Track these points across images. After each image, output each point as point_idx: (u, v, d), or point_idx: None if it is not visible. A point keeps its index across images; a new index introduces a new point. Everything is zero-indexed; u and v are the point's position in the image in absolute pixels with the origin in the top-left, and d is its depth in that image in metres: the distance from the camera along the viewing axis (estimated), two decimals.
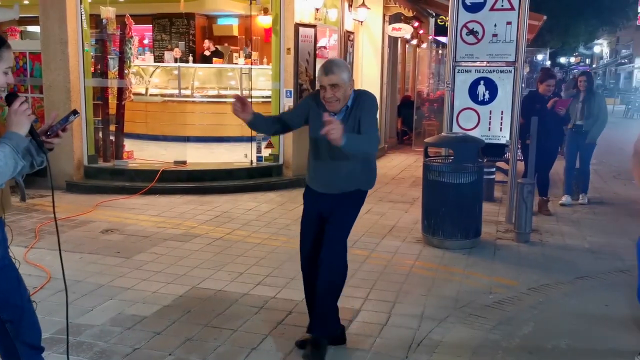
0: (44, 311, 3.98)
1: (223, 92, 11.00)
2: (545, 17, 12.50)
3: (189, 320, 3.92)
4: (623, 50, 42.98)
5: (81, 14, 7.62)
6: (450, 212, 5.65)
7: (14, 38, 8.77)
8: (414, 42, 16.42)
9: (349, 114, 3.29)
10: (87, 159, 7.95)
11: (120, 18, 8.28)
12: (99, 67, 8.15)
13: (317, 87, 3.29)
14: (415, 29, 14.92)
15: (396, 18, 12.91)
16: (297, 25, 8.15)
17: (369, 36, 12.29)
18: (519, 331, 3.85)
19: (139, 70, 11.48)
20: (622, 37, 40.91)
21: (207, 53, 11.65)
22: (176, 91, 10.90)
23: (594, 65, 53.20)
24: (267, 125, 3.58)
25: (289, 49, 8.19)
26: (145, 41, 14.25)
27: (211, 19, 14.15)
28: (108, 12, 8.16)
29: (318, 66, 9.00)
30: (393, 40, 13.53)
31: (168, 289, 4.45)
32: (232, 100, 3.29)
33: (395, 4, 11.83)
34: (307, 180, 3.57)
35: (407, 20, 13.55)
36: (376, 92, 12.33)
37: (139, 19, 13.69)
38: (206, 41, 11.99)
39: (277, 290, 4.45)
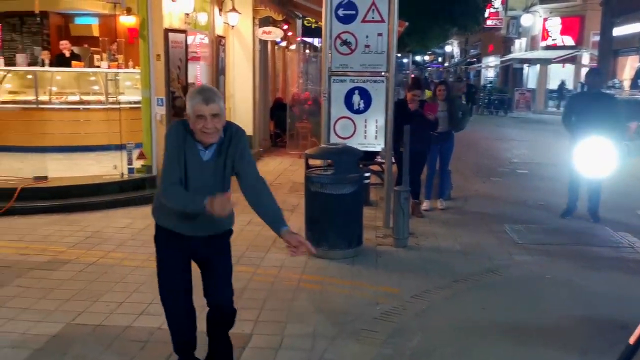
0: None
1: (85, 98, 10.27)
2: (407, 24, 13.16)
3: None
4: (472, 50, 46.48)
5: None
6: (333, 222, 5.72)
7: None
8: (284, 43, 16.50)
9: (219, 149, 3.05)
10: None
11: None
12: None
13: (191, 116, 2.92)
14: (285, 31, 14.99)
15: (266, 21, 12.86)
16: (167, 31, 7.81)
17: (240, 40, 12.13)
18: (409, 343, 3.98)
19: None
20: (471, 38, 44.19)
21: (66, 53, 10.79)
22: (31, 97, 10.00)
23: (446, 64, 57.00)
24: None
25: (158, 55, 7.83)
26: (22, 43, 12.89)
27: (68, 17, 13.15)
28: None
29: (191, 73, 8.77)
30: (263, 43, 13.48)
31: (39, 329, 4.04)
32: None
33: (264, 7, 11.78)
34: (165, 222, 3.16)
35: (276, 24, 13.55)
36: (249, 96, 12.28)
37: None
38: (63, 41, 11.09)
39: (162, 320, 4.19)
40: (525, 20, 31.97)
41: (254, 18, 12.30)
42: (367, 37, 6.65)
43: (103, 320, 4.22)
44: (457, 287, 5.10)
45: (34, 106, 9.77)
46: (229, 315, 3.35)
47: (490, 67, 39.91)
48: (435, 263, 5.72)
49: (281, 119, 13.76)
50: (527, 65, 32.63)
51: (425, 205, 7.87)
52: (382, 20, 6.62)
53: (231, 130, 3.10)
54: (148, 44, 7.84)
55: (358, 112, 6.81)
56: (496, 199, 8.77)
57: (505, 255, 6.00)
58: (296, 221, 6.80)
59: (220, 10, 9.72)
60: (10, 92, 10.17)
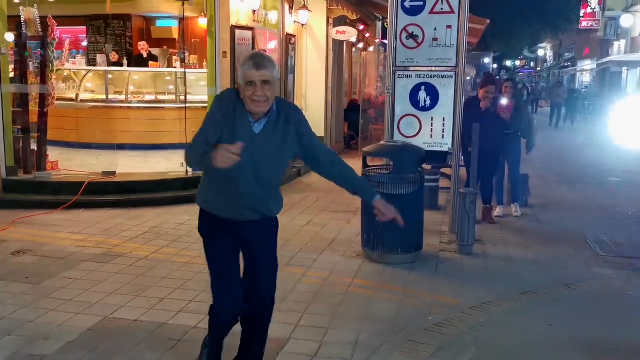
0: None
1: (160, 97, 10.47)
2: (488, 21, 12.50)
3: (94, 359, 3.48)
4: (566, 54, 44.18)
5: None
6: (390, 225, 5.30)
7: None
8: (361, 45, 16.23)
9: (274, 124, 2.84)
10: (5, 171, 7.34)
11: (43, 19, 7.70)
12: (18, 71, 7.55)
13: (242, 83, 2.74)
14: (361, 32, 14.72)
15: (340, 21, 12.65)
16: (234, 28, 7.76)
17: (313, 39, 12.00)
18: (459, 358, 3.58)
19: (70, 75, 10.84)
20: (565, 41, 42.02)
21: (144, 54, 11.08)
22: (110, 96, 10.30)
23: (538, 69, 54.57)
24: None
25: (225, 52, 7.79)
26: (85, 43, 13.54)
27: (149, 20, 13.56)
28: (29, 13, 7.58)
29: None
30: (339, 44, 13.28)
31: (76, 321, 3.98)
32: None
33: (338, 7, 11.57)
34: (208, 205, 2.98)
35: (352, 24, 13.31)
36: (321, 96, 12.11)
37: (72, 20, 13.09)
38: (141, 42, 11.41)
39: (199, 319, 4.03)
40: (625, 20, 29.86)
41: (328, 17, 12.14)
42: (435, 29, 6.24)
43: (140, 315, 4.10)
44: (523, 300, 4.61)
45: (110, 104, 10.05)
46: (266, 310, 3.13)
47: (585, 71, 37.71)
48: (502, 273, 5.23)
49: (355, 121, 13.50)
50: (626, 68, 30.48)
51: (498, 211, 7.33)
52: (452, 12, 6.19)
53: (287, 108, 2.91)
54: (215, 42, 7.82)
55: (424, 109, 6.40)
56: (580, 207, 8.05)
57: (582, 267, 5.41)
58: (357, 223, 6.48)
59: (291, 8, 9.59)
60: (90, 91, 10.54)
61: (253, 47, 8.11)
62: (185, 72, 8.79)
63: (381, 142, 6.01)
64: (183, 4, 7.65)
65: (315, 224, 6.78)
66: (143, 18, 13.45)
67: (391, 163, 5.66)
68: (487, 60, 23.82)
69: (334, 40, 12.58)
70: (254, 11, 8.09)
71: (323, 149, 3.07)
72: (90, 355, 3.52)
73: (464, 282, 4.96)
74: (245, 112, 2.80)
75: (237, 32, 7.79)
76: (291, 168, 9.79)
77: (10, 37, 7.64)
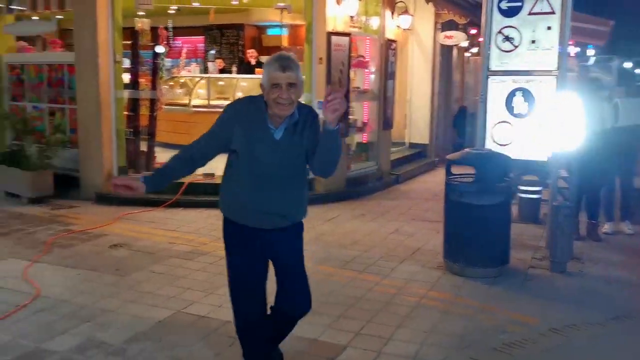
0: (15, 332, 3.85)
1: None
2: (612, 22, 11.58)
3: (156, 350, 3.65)
4: None
5: (112, 25, 7.60)
6: (473, 236, 5.12)
7: (56, 50, 8.92)
8: (476, 50, 15.69)
9: (293, 128, 2.81)
10: (116, 170, 7.93)
11: (154, 29, 8.26)
12: (131, 78, 8.14)
13: (266, 86, 2.72)
14: (474, 36, 14.23)
15: (449, 25, 12.33)
16: (330, 34, 7.81)
17: (419, 44, 11.81)
18: None
19: (186, 81, 11.53)
20: None
21: (252, 62, 11.52)
22: (221, 102, 10.80)
23: None
24: (181, 175, 2.98)
25: (320, 58, 7.87)
26: (212, 51, 14.27)
27: (261, 29, 14.07)
28: (142, 24, 8.15)
29: (352, 76, 8.68)
30: (447, 48, 12.95)
31: (150, 313, 4.20)
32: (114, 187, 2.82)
33: (446, 11, 11.29)
34: (230, 213, 2.96)
35: (462, 28, 12.91)
36: (426, 102, 11.87)
37: (191, 30, 13.91)
38: (250, 50, 11.87)
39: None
40: None
41: (435, 22, 11.88)
42: (533, 31, 5.87)
43: (209, 312, 4.24)
44: (613, 325, 4.19)
45: (212, 110, 10.50)
46: (298, 313, 3.06)
47: None
48: (596, 294, 4.79)
49: (462, 128, 13.08)
50: None
51: (606, 227, 6.73)
52: (553, 12, 5.79)
53: (306, 110, 2.88)
54: (311, 48, 7.93)
55: (519, 116, 6.05)
56: None
57: None
58: None
59: (393, 13, 9.49)
60: (202, 97, 11.11)
61: (349, 53, 8.12)
62: None
63: (466, 149, 5.76)
64: (282, 12, 7.83)
65: (403, 233, 6.64)
66: (255, 27, 13.98)
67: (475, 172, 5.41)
68: (615, 63, 21.95)
69: (441, 45, 12.29)
70: (352, 17, 8.10)
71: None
72: (153, 345, 3.70)
73: (549, 301, 4.60)
74: (265, 119, 2.78)
75: (333, 38, 7.84)
76: (389, 175, 9.69)
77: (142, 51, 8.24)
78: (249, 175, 2.84)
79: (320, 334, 3.92)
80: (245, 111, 2.82)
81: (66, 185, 7.93)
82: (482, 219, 5.05)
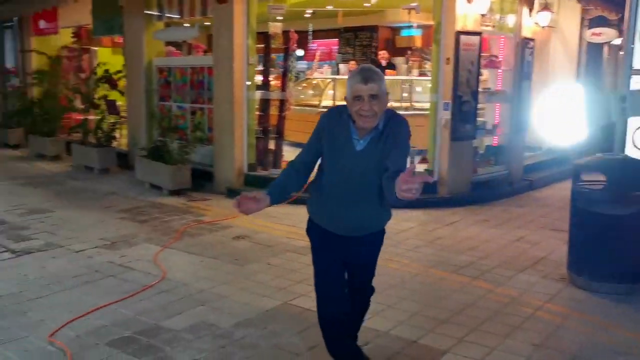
0: (138, 309, 4.22)
1: (394, 105, 10.78)
2: None
3: (259, 336, 3.81)
4: None
5: (247, 30, 8.03)
6: (602, 248, 4.72)
7: (198, 54, 9.61)
8: None
9: (378, 139, 2.78)
10: (246, 167, 8.37)
11: (285, 33, 8.59)
12: (262, 79, 8.54)
13: (349, 98, 2.74)
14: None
15: (598, 22, 11.43)
16: (458, 33, 7.60)
17: (562, 42, 11.09)
18: None
19: (319, 83, 11.87)
20: None
21: (383, 63, 11.55)
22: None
23: None
24: (292, 188, 2.97)
25: (448, 58, 7.68)
26: (340, 55, 14.64)
27: (395, 30, 14.05)
28: (275, 28, 8.52)
29: (483, 77, 8.38)
30: (597, 47, 12.03)
31: (259, 302, 4.40)
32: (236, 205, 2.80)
33: (595, 7, 10.49)
34: (316, 218, 3.02)
35: (614, 24, 11.91)
36: None
37: (327, 33, 14.27)
38: (381, 51, 11.91)
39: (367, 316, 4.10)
40: None
41: (582, 18, 11.09)
42: None
43: (313, 305, 4.32)
44: None
45: None
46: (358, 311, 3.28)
47: None
48: None
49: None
50: None
51: None
52: None
53: (394, 119, 2.83)
54: (439, 48, 7.78)
55: None
56: None
57: None
58: None
59: (531, 10, 9.00)
60: (332, 98, 11.37)
61: (479, 53, 7.84)
62: (411, 80, 8.91)
63: (597, 154, 5.32)
64: (409, 12, 7.77)
65: (527, 241, 6.29)
66: (389, 28, 14.00)
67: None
68: None
69: (589, 42, 11.45)
70: (482, 15, 7.81)
71: (396, 158, 2.71)
72: (257, 332, 3.87)
73: None
74: (351, 130, 2.80)
75: (462, 37, 7.62)
76: (521, 180, 9.21)
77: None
78: (330, 185, 2.89)
79: (421, 336, 3.85)
80: (335, 121, 2.86)
81: (202, 179, 8.52)
82: (614, 229, 4.64)
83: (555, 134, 5.30)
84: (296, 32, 8.92)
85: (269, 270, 5.15)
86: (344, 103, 2.85)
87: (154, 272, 5.03)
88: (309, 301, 4.41)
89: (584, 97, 5.34)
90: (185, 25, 9.83)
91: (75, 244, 5.74)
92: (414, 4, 8.11)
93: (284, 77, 8.51)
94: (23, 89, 12.39)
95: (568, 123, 5.34)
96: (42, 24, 12.48)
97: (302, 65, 13.66)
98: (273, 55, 9.32)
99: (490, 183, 8.64)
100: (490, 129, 8.87)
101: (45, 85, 11.51)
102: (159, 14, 9.46)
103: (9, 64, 13.84)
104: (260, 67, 8.66)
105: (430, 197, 7.91)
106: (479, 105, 8.28)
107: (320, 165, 2.98)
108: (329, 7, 11.04)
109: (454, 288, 4.80)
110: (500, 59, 8.78)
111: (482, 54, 8.16)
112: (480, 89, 8.16)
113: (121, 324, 3.98)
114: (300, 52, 13.16)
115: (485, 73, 9.07)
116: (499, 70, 8.94)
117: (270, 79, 8.74)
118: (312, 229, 3.09)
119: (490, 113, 9.05)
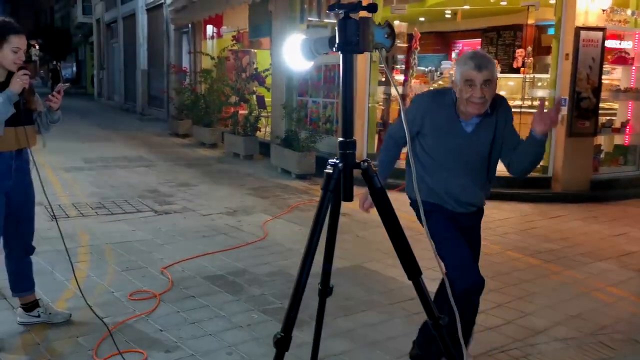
0: (235, 257, 5.12)
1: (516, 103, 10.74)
2: None
3: None
4: None
5: None
6: None
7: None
8: None
9: (487, 123, 2.80)
10: (366, 156, 8.98)
11: (408, 32, 9.13)
12: (384, 75, 9.17)
13: (459, 83, 2.71)
14: None
15: None
16: (578, 29, 7.55)
17: None
18: None
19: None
20: None
21: (519, 60, 11.50)
22: None
23: None
24: (390, 164, 3.10)
25: (567, 54, 7.66)
26: (496, 55, 14.60)
27: (541, 29, 13.72)
28: (400, 27, 9.10)
29: (623, 76, 8.08)
30: None
31: (335, 262, 5.03)
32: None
33: None
34: (428, 197, 2.89)
35: None
36: None
37: (469, 33, 14.41)
38: (519, 50, 11.82)
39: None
40: None
41: None
42: None
43: (384, 268, 4.89)
44: None
45: None
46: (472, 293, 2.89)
47: None
48: None
49: None
50: None
51: None
52: None
53: (501, 105, 2.85)
54: (559, 44, 7.78)
55: None
56: None
57: None
58: None
59: None
60: None
61: (602, 49, 7.67)
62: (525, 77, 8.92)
63: None
64: (528, 9, 7.86)
65: (628, 237, 6.18)
66: (535, 27, 13.72)
67: None
68: None
69: None
70: (603, 11, 7.63)
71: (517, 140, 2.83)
72: None
73: None
74: (455, 113, 2.80)
75: (583, 33, 7.52)
76: None
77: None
78: (440, 167, 2.89)
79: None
80: (436, 104, 2.87)
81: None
82: None
83: None
84: (440, 33, 9.39)
85: (355, 240, 5.78)
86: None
87: (259, 233, 5.93)
88: (378, 265, 4.98)
89: None
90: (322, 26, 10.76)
91: (204, 210, 6.87)
92: (533, 2, 8.08)
93: (405, 72, 9.04)
94: (192, 86, 14.29)
95: None
96: (210, 29, 14.32)
97: (446, 64, 13.95)
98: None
99: (615, 183, 8.36)
100: (618, 128, 8.56)
101: (210, 83, 13.21)
102: (300, 16, 10.51)
103: (185, 65, 16.02)
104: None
105: (542, 192, 7.93)
106: (607, 103, 8.09)
107: (414, 151, 2.92)
108: (466, 7, 11.27)
109: (519, 267, 5.03)
110: (631, 56, 8.44)
111: (613, 50, 7.97)
112: (602, 86, 7.96)
113: (218, 266, 4.89)
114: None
115: (617, 70, 8.77)
116: (633, 67, 8.59)
117: (394, 75, 9.32)
118: (426, 204, 2.82)
119: (621, 111, 8.72)
